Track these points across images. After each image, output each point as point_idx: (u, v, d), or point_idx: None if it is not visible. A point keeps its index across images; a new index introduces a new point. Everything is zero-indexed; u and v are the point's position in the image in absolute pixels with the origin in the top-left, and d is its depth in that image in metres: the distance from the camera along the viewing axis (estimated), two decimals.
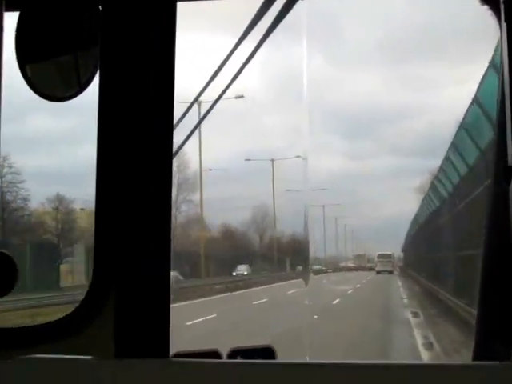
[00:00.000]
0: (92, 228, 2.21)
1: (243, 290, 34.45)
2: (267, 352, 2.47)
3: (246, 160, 38.70)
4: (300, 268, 44.84)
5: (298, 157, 33.50)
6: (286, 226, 47.32)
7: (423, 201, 36.00)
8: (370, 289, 37.57)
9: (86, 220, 31.80)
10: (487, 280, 2.39)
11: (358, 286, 39.13)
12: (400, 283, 41.32)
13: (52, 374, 2.22)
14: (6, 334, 2.34)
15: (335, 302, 27.44)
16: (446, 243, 26.04)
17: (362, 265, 53.51)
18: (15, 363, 2.22)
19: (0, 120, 2.00)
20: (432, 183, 29.73)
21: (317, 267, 48.19)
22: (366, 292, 34.68)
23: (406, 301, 28.40)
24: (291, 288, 32.85)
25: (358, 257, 56.63)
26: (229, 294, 32.15)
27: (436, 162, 26.07)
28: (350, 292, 33.62)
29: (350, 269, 53.44)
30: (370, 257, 54.35)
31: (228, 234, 45.42)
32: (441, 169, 25.35)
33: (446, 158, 22.85)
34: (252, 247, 48.56)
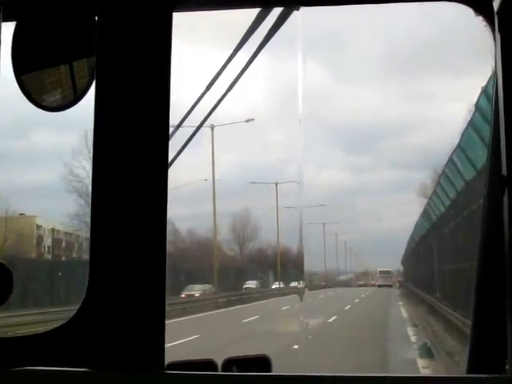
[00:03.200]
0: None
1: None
2: (263, 362, 2.48)
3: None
4: (274, 283, 41.63)
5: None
6: (273, 238, 45.81)
7: (428, 204, 28.20)
8: (343, 335, 19.48)
9: None
10: (481, 292, 2.40)
11: (333, 319, 23.68)
12: (406, 315, 25.62)
13: None
14: None
15: None
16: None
17: (366, 282, 53.24)
18: (9, 375, 2.21)
19: None
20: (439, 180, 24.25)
21: (293, 284, 40.37)
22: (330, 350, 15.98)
23: None
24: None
25: (364, 274, 56.94)
26: None
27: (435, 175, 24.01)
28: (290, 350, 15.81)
29: (359, 285, 52.67)
30: (368, 270, 54.48)
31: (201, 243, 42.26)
32: (444, 172, 21.91)
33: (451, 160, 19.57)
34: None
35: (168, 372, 2.26)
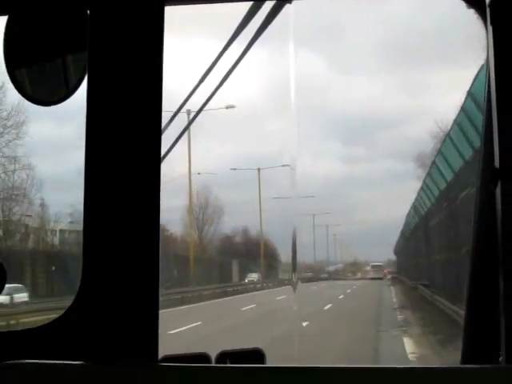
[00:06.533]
0: None
1: None
2: (256, 355, 2.49)
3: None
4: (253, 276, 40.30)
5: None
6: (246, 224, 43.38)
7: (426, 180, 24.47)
8: None
9: None
10: (475, 283, 2.41)
11: None
12: None
13: (39, 380, 2.23)
14: None
15: None
16: None
17: (363, 275, 52.53)
18: (3, 368, 2.22)
19: None
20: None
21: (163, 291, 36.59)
22: None
23: None
24: None
25: (353, 265, 56.97)
26: None
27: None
28: None
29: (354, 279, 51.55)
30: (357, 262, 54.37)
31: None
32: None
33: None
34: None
35: (162, 364, 2.27)
